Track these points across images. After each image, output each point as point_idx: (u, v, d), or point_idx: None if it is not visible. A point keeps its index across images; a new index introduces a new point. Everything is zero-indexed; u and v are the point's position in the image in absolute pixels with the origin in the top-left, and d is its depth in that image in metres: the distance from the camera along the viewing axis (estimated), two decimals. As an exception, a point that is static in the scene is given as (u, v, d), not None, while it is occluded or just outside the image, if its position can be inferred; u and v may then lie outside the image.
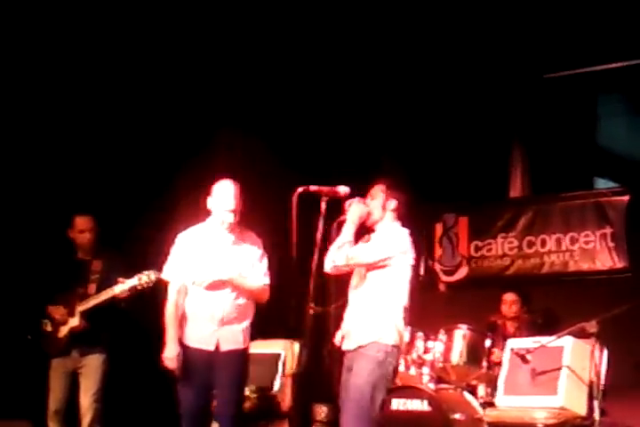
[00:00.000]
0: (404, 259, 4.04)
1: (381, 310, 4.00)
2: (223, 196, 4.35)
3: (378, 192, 4.16)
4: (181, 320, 4.34)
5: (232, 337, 4.35)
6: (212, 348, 4.30)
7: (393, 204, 4.14)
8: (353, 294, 4.15)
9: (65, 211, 5.31)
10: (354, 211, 4.06)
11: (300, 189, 3.96)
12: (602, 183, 7.48)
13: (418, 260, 6.57)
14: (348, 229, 4.04)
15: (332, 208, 4.04)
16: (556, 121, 7.01)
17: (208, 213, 4.45)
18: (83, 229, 5.13)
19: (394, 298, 4.02)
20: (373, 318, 4.00)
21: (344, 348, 4.11)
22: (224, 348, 4.32)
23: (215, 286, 4.30)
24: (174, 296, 4.37)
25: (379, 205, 4.13)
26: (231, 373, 4.32)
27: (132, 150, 6.27)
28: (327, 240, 4.07)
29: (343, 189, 4.05)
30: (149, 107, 6.32)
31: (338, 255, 3.99)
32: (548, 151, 7.06)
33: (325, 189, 4.01)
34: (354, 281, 4.16)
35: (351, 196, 4.10)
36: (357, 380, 3.91)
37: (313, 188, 3.99)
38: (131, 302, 4.88)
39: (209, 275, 4.31)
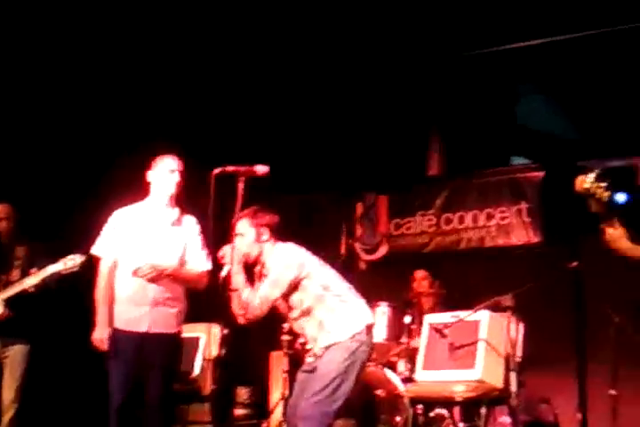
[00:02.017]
0: (307, 269, 3.95)
1: (330, 321, 3.92)
2: (165, 168, 4.26)
3: (245, 228, 4.01)
4: (110, 302, 4.20)
5: (163, 320, 4.23)
6: (143, 329, 4.17)
7: (266, 234, 4.03)
8: (298, 323, 4.06)
9: None
10: (232, 259, 3.94)
11: (217, 171, 3.89)
12: (518, 161, 7.59)
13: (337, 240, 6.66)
14: (238, 278, 3.96)
15: (252, 188, 3.94)
16: (475, 100, 7.07)
17: (145, 193, 4.34)
18: (0, 217, 5.00)
19: (330, 304, 3.95)
20: (329, 331, 3.92)
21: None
22: (155, 330, 4.19)
23: (154, 279, 4.17)
24: (105, 274, 4.23)
25: (251, 241, 4.01)
26: (162, 357, 4.19)
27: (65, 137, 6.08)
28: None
29: (261, 169, 3.95)
30: (78, 91, 6.12)
31: (250, 308, 3.92)
32: (466, 130, 7.13)
33: (242, 168, 3.91)
34: (292, 314, 4.05)
35: (269, 174, 3.97)
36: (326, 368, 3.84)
37: (230, 168, 3.91)
38: (56, 286, 4.74)
39: (147, 263, 4.16)
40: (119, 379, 4.13)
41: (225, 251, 4.01)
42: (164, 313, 4.23)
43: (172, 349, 4.29)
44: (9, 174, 5.74)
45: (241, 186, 3.88)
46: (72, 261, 4.57)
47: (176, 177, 4.29)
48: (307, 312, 3.98)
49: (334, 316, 3.93)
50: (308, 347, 4.12)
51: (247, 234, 4.01)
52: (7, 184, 5.54)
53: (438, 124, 7.26)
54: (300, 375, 4.04)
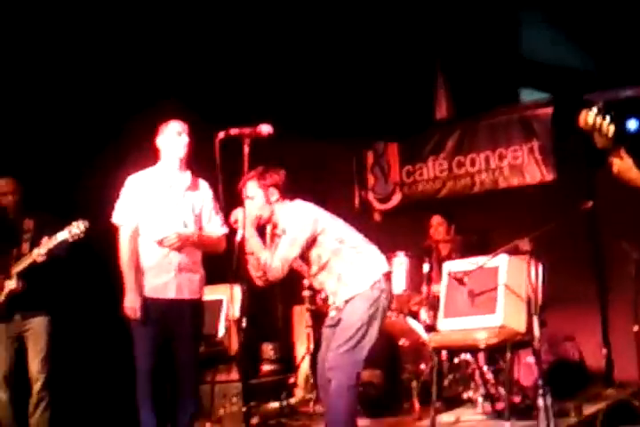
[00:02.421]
0: (321, 225, 3.94)
1: (349, 274, 3.93)
2: (173, 132, 4.22)
3: (254, 190, 3.98)
4: (137, 269, 4.18)
5: (189, 286, 4.25)
6: (170, 295, 4.18)
7: (275, 194, 4.00)
8: (317, 278, 4.06)
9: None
10: (244, 223, 3.92)
11: (221, 135, 3.84)
12: (527, 93, 7.44)
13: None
14: (253, 242, 3.94)
15: (256, 150, 3.88)
16: (478, 37, 6.90)
17: (154, 160, 4.31)
18: (4, 191, 5.00)
19: (347, 257, 3.94)
20: (348, 283, 3.93)
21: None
22: (181, 296, 4.20)
23: (180, 247, 4.15)
24: (128, 242, 4.20)
25: (262, 203, 3.99)
26: (190, 322, 4.24)
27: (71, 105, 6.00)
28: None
29: (266, 129, 3.88)
30: (81, 57, 6.00)
31: (270, 270, 3.91)
32: (471, 70, 6.97)
33: (247, 130, 3.85)
34: (310, 271, 4.05)
35: (274, 134, 3.89)
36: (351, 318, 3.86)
37: (234, 131, 3.85)
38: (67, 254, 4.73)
39: (174, 232, 4.15)
40: (147, 344, 4.16)
41: (236, 215, 3.99)
42: (189, 279, 4.26)
43: (199, 313, 4.33)
44: (14, 144, 5.67)
45: (246, 148, 3.83)
46: (76, 229, 4.56)
47: (184, 139, 4.26)
48: (325, 267, 3.98)
49: (352, 268, 3.94)
50: (329, 302, 4.12)
51: (256, 196, 3.98)
52: (12, 155, 5.48)
53: (444, 65, 7.09)
54: (326, 331, 4.06)
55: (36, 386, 4.86)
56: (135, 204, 4.25)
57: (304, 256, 3.97)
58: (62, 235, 4.60)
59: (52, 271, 4.81)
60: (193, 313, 4.27)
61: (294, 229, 3.92)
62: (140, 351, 4.18)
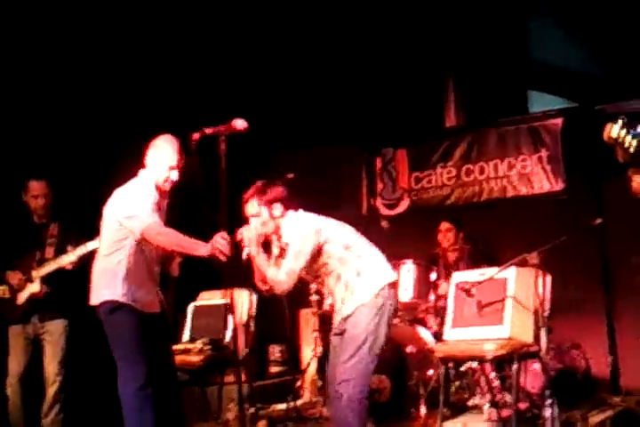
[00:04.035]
0: (324, 234, 3.94)
1: (355, 283, 3.94)
2: (169, 150, 4.13)
3: (256, 208, 3.96)
4: (129, 280, 4.07)
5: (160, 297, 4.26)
6: (158, 310, 4.19)
7: (278, 208, 3.98)
8: (324, 285, 4.09)
9: (21, 173, 5.14)
10: (251, 239, 3.92)
11: (196, 135, 3.78)
12: (536, 96, 7.47)
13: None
14: (260, 260, 3.95)
15: (233, 144, 3.81)
16: (488, 43, 6.93)
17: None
18: (36, 194, 5.03)
19: (353, 266, 3.96)
20: (354, 292, 3.94)
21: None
22: (160, 309, 4.22)
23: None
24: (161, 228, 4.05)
25: (266, 219, 3.97)
26: (168, 337, 4.30)
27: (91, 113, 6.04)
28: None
29: (240, 124, 3.79)
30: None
31: (277, 284, 3.93)
32: (481, 75, 7.01)
33: (222, 128, 3.77)
34: (317, 279, 4.08)
35: (249, 129, 3.79)
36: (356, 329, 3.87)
37: (208, 130, 3.78)
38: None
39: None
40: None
41: (241, 233, 3.98)
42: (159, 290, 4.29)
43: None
44: (41, 150, 5.69)
45: (223, 146, 3.75)
46: (93, 245, 4.58)
47: (178, 162, 4.18)
48: (331, 275, 4.00)
49: (358, 277, 3.95)
50: (335, 307, 4.13)
51: (260, 214, 3.98)
52: (40, 160, 5.52)
53: (453, 72, 7.13)
54: (334, 339, 4.08)
55: (52, 389, 4.91)
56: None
57: (310, 266, 3.97)
58: (93, 244, 4.61)
59: (75, 277, 4.81)
60: (167, 326, 4.33)
61: (297, 241, 3.93)
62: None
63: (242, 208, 4.04)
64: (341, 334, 3.99)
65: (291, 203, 4.03)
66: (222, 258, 3.77)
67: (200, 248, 3.86)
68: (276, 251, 4.10)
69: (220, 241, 3.76)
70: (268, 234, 4.02)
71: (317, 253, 3.94)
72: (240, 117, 3.81)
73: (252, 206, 3.99)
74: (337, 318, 4.07)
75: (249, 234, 3.94)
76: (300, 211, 4.07)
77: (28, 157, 5.58)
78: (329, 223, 4.04)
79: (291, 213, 4.03)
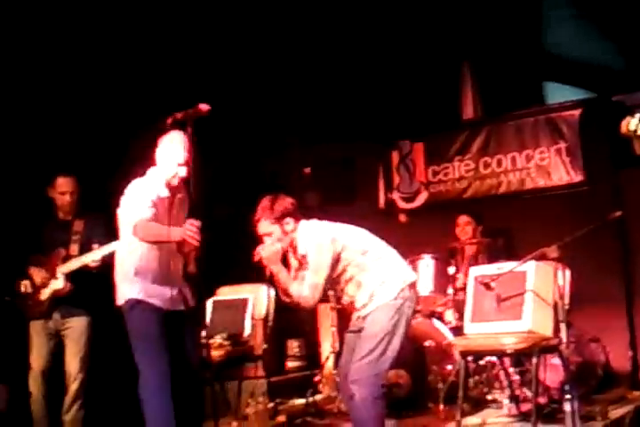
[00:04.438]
0: (340, 242, 3.93)
1: (375, 286, 3.93)
2: (177, 147, 4.20)
3: (268, 227, 3.95)
4: (144, 276, 4.11)
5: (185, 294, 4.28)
6: (182, 307, 4.21)
7: (290, 224, 3.96)
8: (346, 293, 4.06)
9: (47, 169, 5.12)
10: (269, 258, 3.90)
11: (169, 120, 4.00)
12: (552, 88, 7.40)
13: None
14: (282, 276, 3.93)
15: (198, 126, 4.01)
16: (504, 34, 6.86)
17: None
18: (64, 190, 5.01)
19: (372, 269, 3.95)
20: (374, 294, 3.93)
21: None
22: (185, 306, 4.24)
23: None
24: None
25: (280, 236, 3.95)
26: (193, 334, 4.27)
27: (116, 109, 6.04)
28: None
29: (204, 107, 3.97)
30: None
31: (302, 299, 3.92)
32: (498, 66, 6.95)
33: (190, 111, 3.98)
34: (338, 284, 4.04)
35: (212, 110, 3.97)
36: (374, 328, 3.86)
37: (179, 115, 3.99)
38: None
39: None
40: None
41: (259, 253, 3.95)
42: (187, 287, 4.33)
43: None
44: (66, 146, 5.68)
45: (190, 129, 3.99)
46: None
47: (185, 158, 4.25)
48: (351, 281, 3.99)
49: (377, 280, 3.94)
50: (355, 305, 4.10)
51: (273, 232, 3.96)
52: (65, 156, 5.51)
53: (470, 64, 7.08)
54: (348, 336, 4.07)
55: (74, 385, 4.91)
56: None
57: (330, 276, 3.94)
58: (106, 249, 4.61)
59: (97, 274, 4.81)
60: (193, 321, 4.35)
61: (315, 254, 3.91)
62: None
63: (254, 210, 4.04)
64: (358, 331, 3.98)
65: (301, 214, 4.03)
66: (194, 242, 3.87)
67: (173, 233, 3.95)
68: (294, 263, 4.08)
69: (190, 227, 3.84)
70: (284, 248, 4.00)
71: (336, 261, 3.92)
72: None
73: (264, 226, 3.97)
74: (355, 314, 4.07)
75: (266, 253, 3.92)
76: (313, 220, 4.06)
77: (51, 152, 5.56)
78: (343, 230, 4.03)
79: (303, 223, 4.01)
